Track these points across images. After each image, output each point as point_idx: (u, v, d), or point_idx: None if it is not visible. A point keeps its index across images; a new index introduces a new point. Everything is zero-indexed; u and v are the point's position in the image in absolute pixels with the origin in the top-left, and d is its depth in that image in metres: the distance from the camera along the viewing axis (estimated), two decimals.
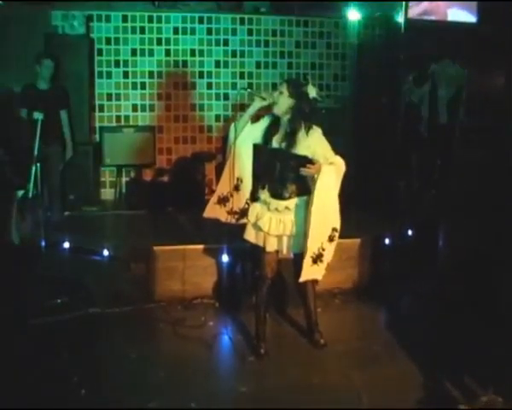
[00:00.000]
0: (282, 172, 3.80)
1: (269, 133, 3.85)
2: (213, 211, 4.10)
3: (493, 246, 4.39)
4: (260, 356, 3.92)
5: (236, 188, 4.00)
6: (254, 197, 3.97)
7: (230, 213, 4.02)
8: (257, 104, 3.85)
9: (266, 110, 3.92)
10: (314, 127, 3.75)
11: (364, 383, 3.60)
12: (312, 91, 3.77)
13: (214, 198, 4.09)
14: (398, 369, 3.76)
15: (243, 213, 3.97)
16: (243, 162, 3.97)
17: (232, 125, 3.96)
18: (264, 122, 3.92)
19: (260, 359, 3.91)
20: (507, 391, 3.20)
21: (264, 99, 3.82)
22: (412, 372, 3.71)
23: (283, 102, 3.75)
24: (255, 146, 3.96)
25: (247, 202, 3.99)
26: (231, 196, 4.01)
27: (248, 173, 4.00)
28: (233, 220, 4.04)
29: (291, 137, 3.74)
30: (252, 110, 3.88)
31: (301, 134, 3.73)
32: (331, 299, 4.88)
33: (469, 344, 3.93)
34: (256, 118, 4.00)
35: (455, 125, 5.56)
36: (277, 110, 3.79)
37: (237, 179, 3.98)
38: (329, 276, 4.79)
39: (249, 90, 4.07)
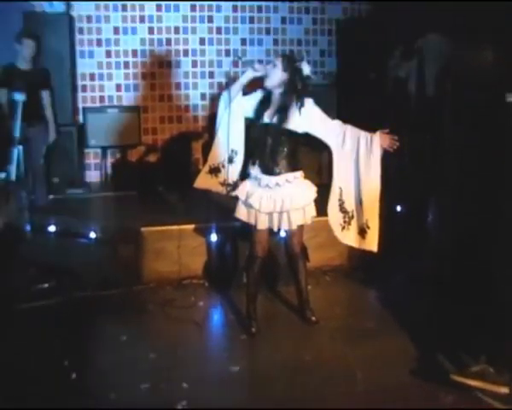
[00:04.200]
0: (273, 148, 3.74)
1: (260, 108, 3.80)
2: (205, 181, 4.06)
3: (485, 223, 4.38)
4: (252, 335, 3.89)
5: (230, 160, 3.95)
6: (245, 174, 3.92)
7: (223, 184, 3.97)
8: (249, 74, 3.80)
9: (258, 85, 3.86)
10: (305, 100, 3.69)
11: (357, 358, 3.59)
12: (306, 68, 3.73)
13: (206, 168, 4.06)
14: (391, 344, 3.75)
15: (236, 185, 3.92)
16: (235, 134, 3.92)
17: (223, 93, 3.90)
18: (255, 96, 3.86)
19: (252, 337, 3.88)
20: (498, 361, 3.20)
21: (256, 70, 3.75)
22: (405, 347, 3.70)
23: (276, 76, 3.70)
24: (246, 120, 3.90)
25: (240, 175, 3.94)
26: (223, 166, 3.97)
27: (241, 146, 3.95)
28: (224, 192, 3.98)
29: (282, 112, 3.69)
30: (244, 80, 3.83)
31: (293, 110, 3.68)
32: (322, 276, 4.87)
33: (462, 317, 3.93)
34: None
35: (443, 100, 5.51)
36: (269, 83, 3.73)
37: (232, 151, 3.93)
38: (320, 253, 4.82)
39: (243, 59, 3.98)
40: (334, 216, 3.81)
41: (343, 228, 3.79)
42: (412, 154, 5.83)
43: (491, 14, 4.86)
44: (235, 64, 7.00)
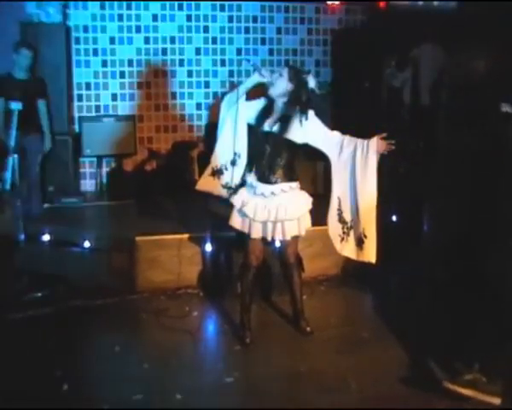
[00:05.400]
0: (271, 157, 3.75)
1: (262, 115, 3.81)
2: (207, 184, 4.06)
3: (479, 227, 4.39)
4: (246, 345, 3.88)
5: (233, 163, 3.93)
6: (242, 180, 3.92)
7: (225, 187, 3.97)
8: (254, 79, 3.81)
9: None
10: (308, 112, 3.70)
11: (352, 368, 3.58)
12: (312, 82, 3.74)
13: (208, 170, 4.05)
14: (386, 354, 3.75)
15: (238, 189, 3.91)
16: (238, 137, 3.89)
17: (226, 96, 3.92)
18: (258, 103, 3.87)
19: (246, 348, 3.87)
20: (492, 370, 3.20)
21: (262, 76, 3.77)
22: (400, 356, 3.70)
23: (280, 85, 3.72)
24: (247, 126, 3.91)
25: (242, 179, 3.93)
26: (226, 169, 3.96)
27: (244, 149, 3.94)
28: (226, 195, 3.97)
29: (284, 122, 3.70)
30: (248, 84, 3.84)
31: (295, 121, 3.68)
32: (317, 286, 4.86)
33: (456, 326, 3.92)
34: None
35: (437, 109, 5.55)
36: (273, 91, 3.75)
37: (235, 154, 3.92)
38: (315, 263, 4.82)
39: (251, 62, 3.97)
40: (333, 227, 3.81)
41: (342, 239, 3.78)
42: (406, 160, 5.86)
43: (485, 23, 4.90)
44: (231, 74, 7.15)
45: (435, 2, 6.66)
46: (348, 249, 3.79)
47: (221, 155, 3.98)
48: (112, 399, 3.27)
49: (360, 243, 3.71)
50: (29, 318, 4.22)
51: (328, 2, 7.28)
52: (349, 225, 3.75)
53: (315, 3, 7.34)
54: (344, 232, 3.78)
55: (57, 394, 3.30)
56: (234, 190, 3.92)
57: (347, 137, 3.71)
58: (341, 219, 3.78)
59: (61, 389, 3.33)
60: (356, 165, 3.65)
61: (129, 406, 3.22)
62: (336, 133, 3.74)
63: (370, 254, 3.69)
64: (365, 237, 3.67)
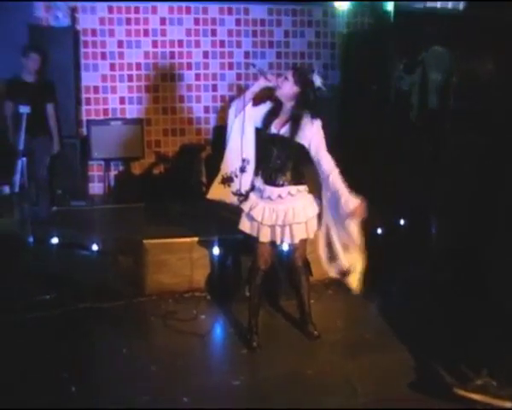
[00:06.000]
0: (278, 159, 3.74)
1: (268, 118, 3.80)
2: (217, 192, 4.03)
3: (483, 232, 4.38)
4: (253, 349, 3.87)
5: (242, 169, 3.91)
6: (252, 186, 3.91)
7: (235, 194, 3.96)
8: (261, 83, 3.81)
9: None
10: (315, 119, 3.67)
11: (358, 372, 3.57)
12: (317, 80, 3.73)
13: (218, 178, 4.03)
14: (393, 358, 3.73)
15: (248, 195, 3.89)
16: (247, 143, 3.89)
17: (233, 103, 3.93)
18: (265, 106, 3.86)
19: (253, 351, 3.86)
20: (500, 375, 3.18)
21: (268, 80, 3.76)
22: (406, 360, 3.68)
23: (287, 88, 3.71)
24: (256, 130, 3.91)
25: (252, 184, 3.92)
26: (236, 176, 3.95)
27: (253, 155, 3.93)
28: (237, 202, 3.94)
29: (293, 125, 3.69)
30: (255, 88, 3.84)
31: (304, 123, 3.67)
32: (324, 290, 4.84)
33: (462, 330, 3.91)
34: None
35: (445, 112, 5.54)
36: (280, 94, 3.74)
37: (243, 161, 3.91)
38: (322, 266, 4.78)
39: (257, 67, 3.96)
40: (322, 248, 3.81)
41: (330, 261, 3.79)
42: (413, 163, 5.84)
43: (493, 26, 4.89)
44: (239, 77, 7.17)
45: (438, 3, 6.65)
46: (334, 272, 3.81)
47: (230, 163, 3.96)
48: (119, 401, 3.27)
49: (346, 273, 3.73)
50: (37, 320, 4.23)
51: (336, 4, 7.29)
52: (335, 252, 3.75)
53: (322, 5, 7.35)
54: (330, 257, 3.79)
55: (65, 396, 3.30)
56: (244, 197, 3.92)
57: (331, 177, 3.59)
58: (328, 245, 3.78)
59: (68, 391, 3.34)
60: (339, 211, 3.60)
61: (136, 407, 3.22)
62: (328, 162, 3.63)
63: (354, 284, 3.73)
64: (349, 272, 3.70)
